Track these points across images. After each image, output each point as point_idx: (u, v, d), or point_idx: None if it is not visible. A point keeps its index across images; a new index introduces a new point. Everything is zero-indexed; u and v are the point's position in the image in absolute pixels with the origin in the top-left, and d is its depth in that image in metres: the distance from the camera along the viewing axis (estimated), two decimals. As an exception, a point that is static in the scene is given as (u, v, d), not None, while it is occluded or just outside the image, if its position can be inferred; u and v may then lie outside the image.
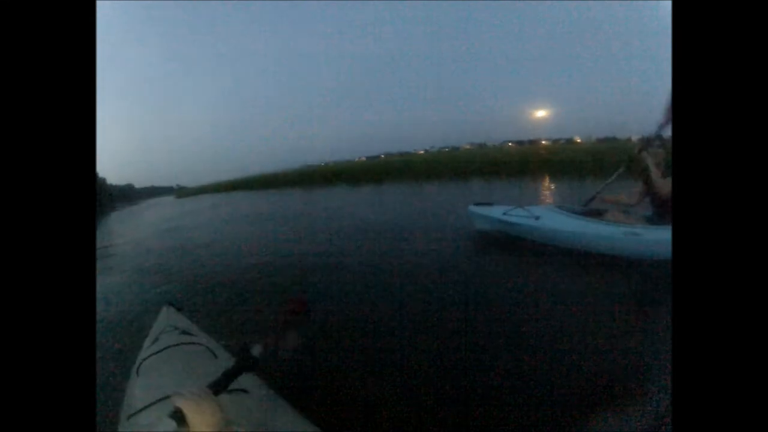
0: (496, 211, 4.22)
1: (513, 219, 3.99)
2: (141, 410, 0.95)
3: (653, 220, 3.26)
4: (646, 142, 3.17)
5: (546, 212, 3.83)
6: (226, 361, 1.31)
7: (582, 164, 10.63)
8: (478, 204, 4.64)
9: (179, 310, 1.97)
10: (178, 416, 0.60)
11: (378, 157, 29.29)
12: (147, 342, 1.55)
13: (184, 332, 1.56)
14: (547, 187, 9.16)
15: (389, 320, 2.47)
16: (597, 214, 3.59)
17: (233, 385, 1.03)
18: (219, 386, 0.77)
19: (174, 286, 3.91)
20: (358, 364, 1.99)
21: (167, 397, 0.94)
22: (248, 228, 7.54)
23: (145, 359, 1.29)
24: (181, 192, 45.64)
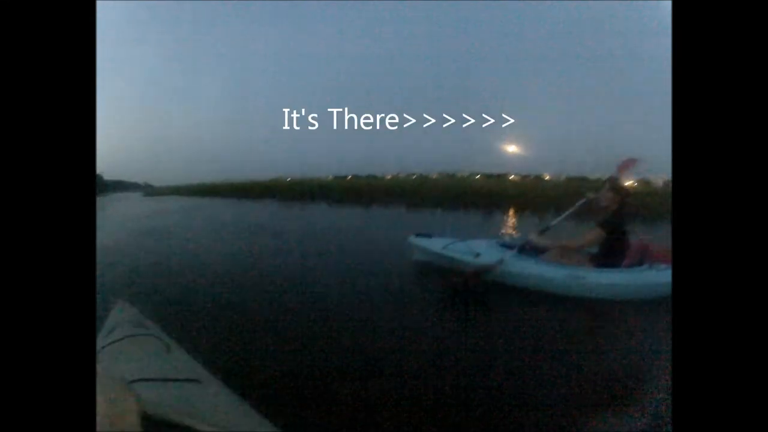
0: (437, 244, 4.08)
1: (452, 254, 3.85)
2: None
3: (599, 261, 3.19)
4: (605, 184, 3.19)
5: (488, 249, 3.74)
6: (179, 353, 1.37)
7: (547, 201, 11.05)
8: (418, 235, 4.48)
9: (132, 304, 1.97)
10: None
11: (345, 177, 29.31)
12: (102, 333, 1.55)
13: (138, 325, 1.59)
14: (508, 221, 9.17)
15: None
16: (540, 251, 3.50)
17: (188, 375, 1.10)
18: None
19: (149, 309, 3.04)
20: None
21: (130, 383, 0.96)
22: (236, 241, 6.69)
23: (103, 347, 1.29)
24: (149, 190, 43.79)
